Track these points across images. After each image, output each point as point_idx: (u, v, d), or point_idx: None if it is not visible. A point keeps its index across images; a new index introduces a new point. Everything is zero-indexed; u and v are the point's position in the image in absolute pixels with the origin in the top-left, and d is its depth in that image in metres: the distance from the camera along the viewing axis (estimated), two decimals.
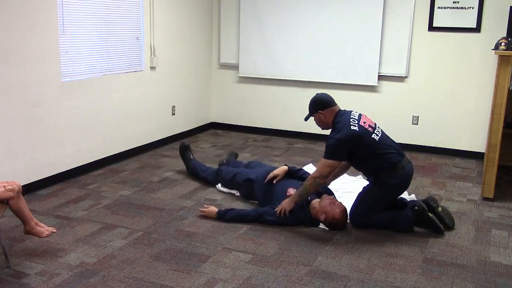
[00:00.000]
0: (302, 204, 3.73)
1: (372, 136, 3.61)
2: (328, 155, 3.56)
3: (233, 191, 4.38)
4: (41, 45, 4.22)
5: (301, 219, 3.74)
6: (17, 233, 3.45)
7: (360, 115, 3.70)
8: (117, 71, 5.17)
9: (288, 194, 3.81)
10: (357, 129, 3.55)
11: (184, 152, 4.87)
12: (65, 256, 3.19)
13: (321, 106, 3.70)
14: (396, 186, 3.67)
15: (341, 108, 3.76)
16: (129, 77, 5.33)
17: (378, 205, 3.69)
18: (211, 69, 6.86)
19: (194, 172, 4.73)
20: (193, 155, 4.88)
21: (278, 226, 3.70)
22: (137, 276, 2.97)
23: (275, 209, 3.71)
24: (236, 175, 4.33)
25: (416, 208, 3.61)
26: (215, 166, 4.91)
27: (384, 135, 3.73)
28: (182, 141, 4.99)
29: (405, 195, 4.40)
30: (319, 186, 3.67)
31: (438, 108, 5.86)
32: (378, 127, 3.75)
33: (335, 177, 4.04)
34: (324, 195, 3.82)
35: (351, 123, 3.57)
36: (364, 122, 3.65)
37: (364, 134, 3.57)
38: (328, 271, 3.10)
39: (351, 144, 3.55)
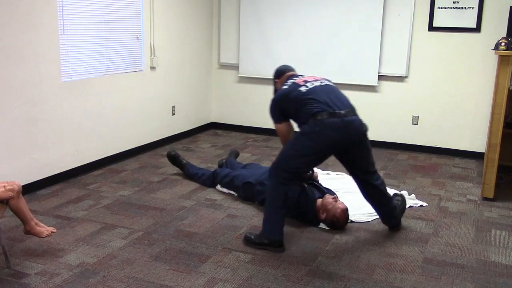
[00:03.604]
0: (311, 199, 3.77)
1: (300, 88, 3.40)
2: (271, 118, 3.58)
3: (232, 192, 4.38)
4: (41, 45, 4.22)
5: (306, 211, 3.75)
6: (17, 233, 3.44)
7: (304, 76, 3.57)
8: (117, 71, 5.17)
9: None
10: (287, 87, 3.49)
11: (174, 160, 4.86)
12: (65, 256, 3.19)
13: (276, 75, 3.79)
14: (310, 136, 3.29)
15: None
16: (129, 77, 5.33)
17: (294, 153, 3.34)
18: (211, 69, 6.86)
19: (191, 178, 4.72)
20: (184, 159, 4.87)
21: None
22: (137, 276, 2.97)
23: None
24: (234, 178, 4.32)
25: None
26: (213, 167, 4.92)
27: (322, 89, 3.42)
28: (168, 151, 4.95)
29: (404, 194, 4.41)
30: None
31: (438, 108, 5.86)
32: (322, 83, 3.47)
33: None
34: (327, 194, 3.84)
35: (286, 84, 3.53)
36: (301, 78, 3.52)
37: (292, 88, 3.45)
38: (328, 271, 3.10)
39: (281, 103, 3.47)
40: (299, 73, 3.74)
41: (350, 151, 3.46)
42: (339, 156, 3.55)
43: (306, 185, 3.96)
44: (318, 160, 3.42)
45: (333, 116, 3.28)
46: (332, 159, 5.58)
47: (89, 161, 4.89)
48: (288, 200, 3.44)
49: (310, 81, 3.47)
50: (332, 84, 3.57)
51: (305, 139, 3.32)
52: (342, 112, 3.32)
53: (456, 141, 5.87)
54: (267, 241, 3.35)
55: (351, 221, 3.83)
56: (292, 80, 3.54)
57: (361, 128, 3.42)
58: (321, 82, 3.50)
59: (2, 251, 3.05)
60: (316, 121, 3.28)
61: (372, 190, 3.62)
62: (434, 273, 3.12)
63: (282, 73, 3.75)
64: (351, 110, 3.41)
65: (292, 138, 3.46)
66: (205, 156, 5.59)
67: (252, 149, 5.96)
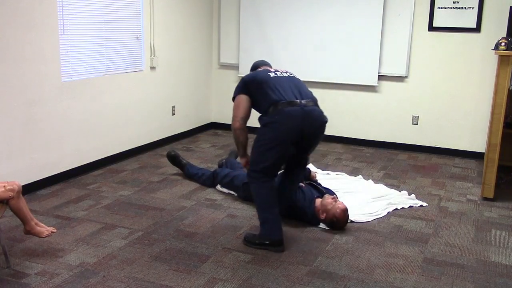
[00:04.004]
0: (309, 198, 3.78)
1: (269, 73, 3.49)
2: (234, 93, 3.57)
3: (232, 192, 4.38)
4: (41, 45, 4.22)
5: (306, 212, 3.75)
6: (17, 233, 3.44)
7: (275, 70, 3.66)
8: (117, 71, 5.17)
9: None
10: (258, 71, 3.60)
11: (174, 161, 4.85)
12: (65, 256, 3.19)
13: (252, 68, 3.85)
14: (271, 127, 3.31)
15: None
16: (129, 77, 5.33)
17: (260, 149, 3.36)
18: (211, 69, 6.86)
19: (191, 178, 4.72)
20: (184, 159, 4.87)
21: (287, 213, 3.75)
22: (137, 276, 2.97)
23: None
24: (234, 178, 4.32)
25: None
26: (213, 167, 4.92)
27: (287, 79, 3.48)
28: (168, 151, 4.95)
29: (404, 194, 4.41)
30: (239, 130, 3.47)
31: (438, 108, 5.86)
32: (290, 75, 3.55)
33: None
34: (326, 194, 3.84)
35: (258, 70, 3.64)
36: (273, 68, 3.65)
37: (261, 72, 3.55)
38: (328, 271, 3.10)
39: (249, 83, 3.48)
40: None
41: (310, 139, 3.47)
42: (300, 143, 3.50)
43: (304, 185, 3.96)
44: (286, 150, 3.37)
45: (293, 105, 3.33)
46: (331, 158, 5.59)
47: (89, 161, 4.89)
48: (278, 196, 3.44)
49: (279, 71, 3.57)
50: (298, 78, 3.62)
51: (267, 131, 3.34)
52: (303, 102, 3.37)
53: (456, 141, 5.87)
54: (268, 242, 3.35)
55: (351, 221, 3.83)
56: (264, 68, 3.68)
57: (321, 119, 3.45)
58: (289, 74, 3.58)
59: (2, 251, 3.05)
60: (276, 110, 3.31)
61: (298, 173, 3.65)
62: (434, 273, 3.12)
63: (257, 66, 3.82)
64: (312, 101, 3.46)
65: (256, 137, 3.43)
66: (205, 156, 5.59)
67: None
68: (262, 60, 3.92)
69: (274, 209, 3.39)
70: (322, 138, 3.55)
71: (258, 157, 3.38)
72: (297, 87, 3.47)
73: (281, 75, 3.52)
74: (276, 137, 3.31)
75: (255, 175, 3.40)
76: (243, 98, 3.49)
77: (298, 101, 3.35)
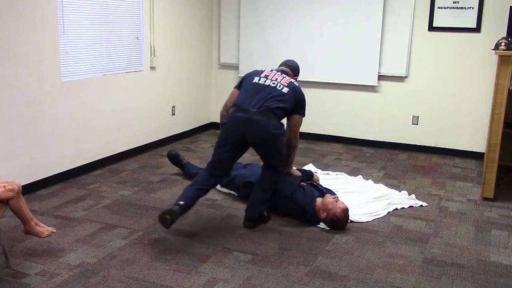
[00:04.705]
0: (309, 196, 3.80)
1: (255, 77, 3.79)
2: None
3: (233, 192, 4.38)
4: (41, 45, 4.22)
5: (306, 210, 3.76)
6: (17, 233, 3.44)
7: (278, 73, 3.85)
8: (117, 71, 5.17)
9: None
10: (255, 71, 3.91)
11: (174, 160, 4.86)
12: (65, 256, 3.19)
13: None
14: (222, 128, 3.72)
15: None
16: (129, 77, 5.33)
17: (215, 146, 3.73)
18: (211, 69, 6.86)
19: (191, 178, 4.71)
20: (184, 159, 4.87)
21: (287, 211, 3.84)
22: (137, 276, 2.97)
23: None
24: (235, 177, 4.31)
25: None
26: None
27: (259, 87, 3.71)
28: (168, 151, 4.95)
29: (404, 194, 4.41)
30: (221, 115, 3.92)
31: (438, 108, 5.86)
32: (272, 84, 3.71)
33: None
34: (327, 194, 3.84)
35: (261, 70, 3.93)
36: (270, 72, 3.85)
37: (252, 74, 3.84)
38: (328, 271, 3.10)
39: (242, 80, 3.88)
40: (288, 72, 4.01)
41: (257, 146, 3.72)
42: (253, 148, 3.78)
43: (305, 184, 3.97)
44: (231, 150, 3.66)
45: (242, 111, 3.61)
46: (331, 158, 5.60)
47: (89, 161, 4.89)
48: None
49: (266, 78, 3.77)
50: (274, 86, 3.72)
51: (220, 132, 3.75)
52: (254, 110, 3.60)
53: (456, 141, 5.87)
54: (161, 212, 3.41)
55: (351, 221, 3.83)
56: (266, 69, 3.90)
57: (266, 129, 3.60)
58: (271, 83, 3.74)
59: (2, 251, 3.05)
60: (230, 113, 3.69)
61: (265, 175, 3.82)
62: (434, 273, 3.12)
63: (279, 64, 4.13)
64: (265, 112, 3.60)
65: None
66: (205, 156, 5.59)
67: (252, 149, 5.94)
68: (291, 61, 4.11)
69: (194, 186, 3.60)
70: (278, 148, 3.70)
71: (213, 152, 3.74)
72: (264, 96, 3.66)
73: (262, 82, 3.74)
74: (224, 138, 3.67)
75: (208, 165, 3.73)
76: (234, 92, 3.89)
77: (250, 109, 3.60)
